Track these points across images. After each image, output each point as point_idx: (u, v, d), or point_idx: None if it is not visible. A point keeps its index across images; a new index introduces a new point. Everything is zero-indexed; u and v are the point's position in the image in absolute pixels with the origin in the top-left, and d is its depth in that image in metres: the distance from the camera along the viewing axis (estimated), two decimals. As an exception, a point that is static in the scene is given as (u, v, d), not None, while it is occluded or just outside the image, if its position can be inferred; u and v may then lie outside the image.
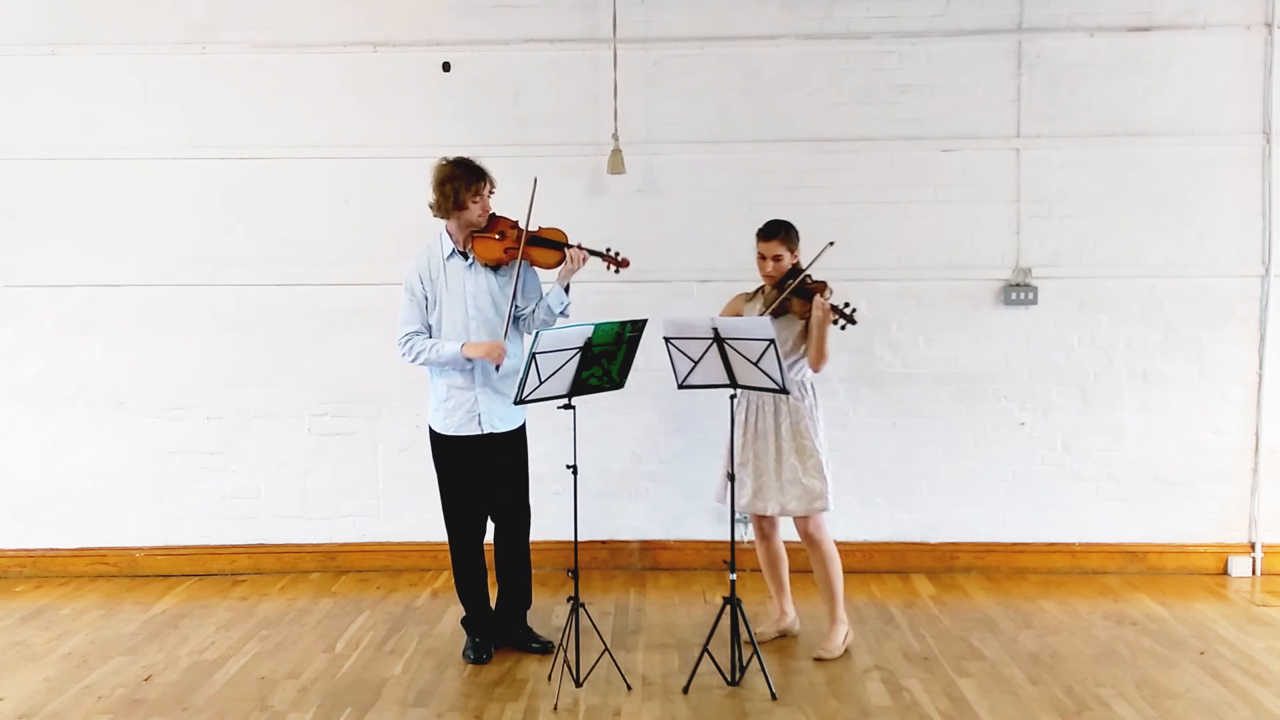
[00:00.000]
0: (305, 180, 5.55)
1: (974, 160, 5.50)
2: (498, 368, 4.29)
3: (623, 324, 4.07)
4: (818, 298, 4.25)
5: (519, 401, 4.01)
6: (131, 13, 5.50)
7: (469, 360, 4.29)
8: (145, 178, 5.55)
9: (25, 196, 5.56)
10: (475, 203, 4.29)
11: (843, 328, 4.26)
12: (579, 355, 4.00)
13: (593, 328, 3.98)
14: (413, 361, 4.37)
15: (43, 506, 5.65)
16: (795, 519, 4.43)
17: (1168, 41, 5.41)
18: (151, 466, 5.65)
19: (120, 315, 5.60)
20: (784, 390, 4.06)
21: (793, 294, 4.34)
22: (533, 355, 3.88)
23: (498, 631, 4.57)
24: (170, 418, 5.63)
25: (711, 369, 4.16)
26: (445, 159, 4.37)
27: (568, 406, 4.13)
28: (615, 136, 5.43)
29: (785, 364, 4.36)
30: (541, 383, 3.99)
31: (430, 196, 4.36)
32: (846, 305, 4.21)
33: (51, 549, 5.66)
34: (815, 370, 4.40)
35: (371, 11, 5.51)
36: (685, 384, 4.25)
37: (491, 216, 4.37)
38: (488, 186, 4.33)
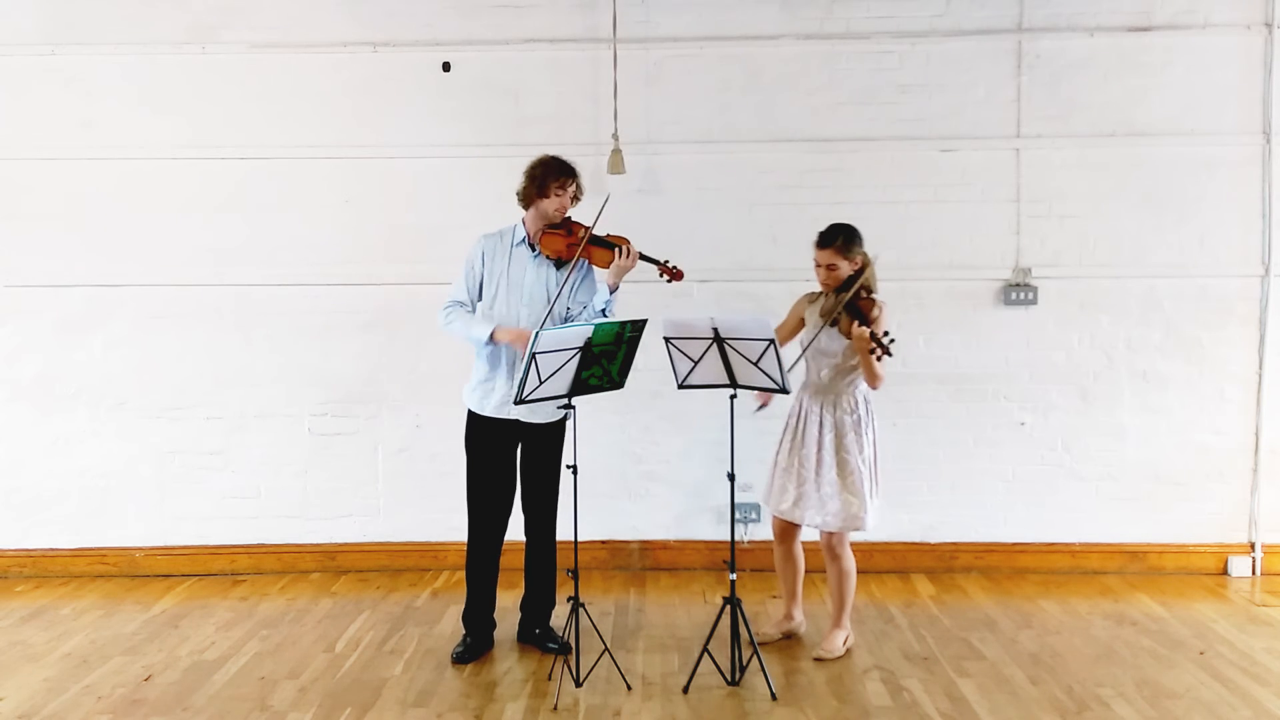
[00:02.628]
0: (305, 180, 5.55)
1: (974, 160, 5.50)
2: (522, 355, 4.29)
3: (623, 324, 4.06)
4: (855, 327, 4.16)
5: (519, 401, 4.01)
6: (131, 13, 5.50)
7: (491, 343, 4.32)
8: (145, 178, 5.55)
9: (25, 196, 5.56)
10: (557, 195, 4.37)
11: (879, 359, 4.14)
12: (579, 355, 4.00)
13: (593, 328, 3.98)
14: (444, 327, 4.43)
15: (43, 506, 5.65)
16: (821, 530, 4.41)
17: (1168, 41, 5.42)
18: (151, 466, 5.65)
19: (120, 315, 5.60)
20: (784, 390, 4.05)
21: (845, 310, 4.27)
22: (532, 355, 3.88)
23: (520, 629, 4.61)
24: (170, 418, 5.63)
25: (711, 369, 4.16)
26: (546, 153, 4.47)
27: (568, 406, 4.13)
28: (615, 136, 5.43)
29: (833, 374, 4.37)
30: (541, 383, 3.99)
31: (519, 183, 4.42)
32: (886, 335, 4.11)
33: (51, 549, 5.66)
34: (873, 388, 4.34)
35: (371, 11, 5.51)
36: (685, 384, 4.25)
37: (566, 219, 4.44)
38: (574, 187, 4.42)
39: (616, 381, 4.23)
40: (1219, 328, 5.48)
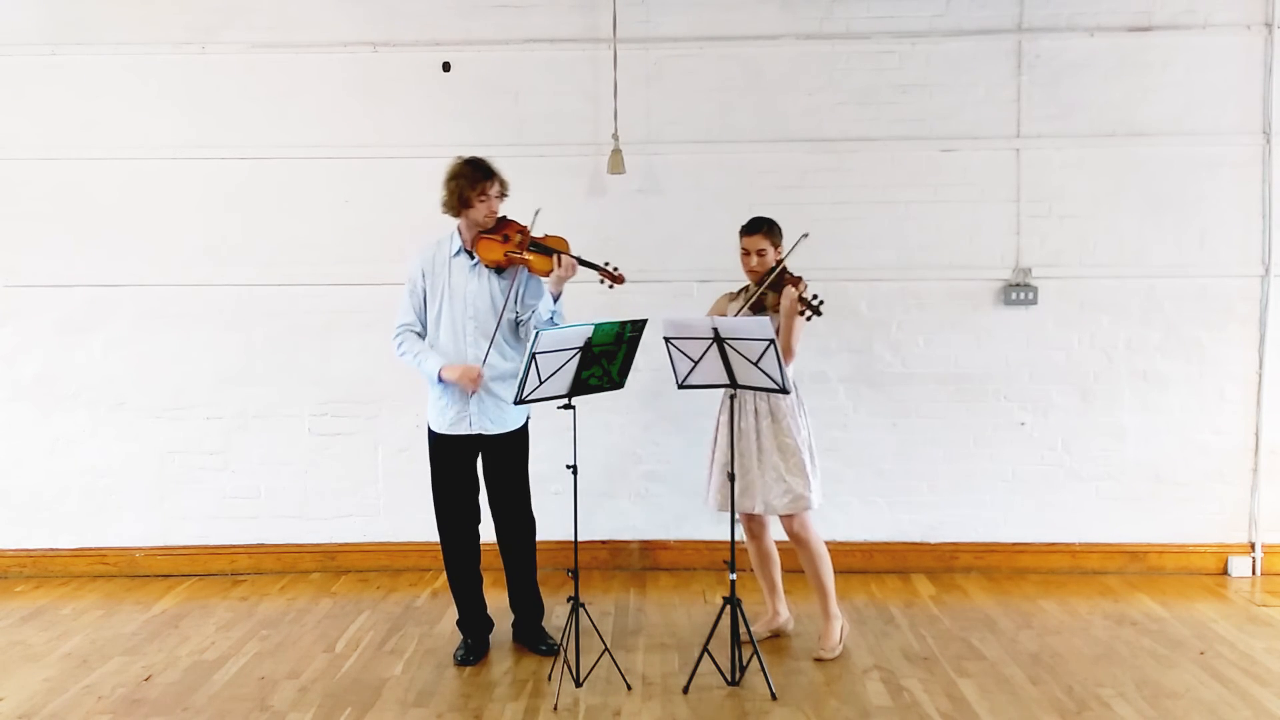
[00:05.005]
0: (305, 180, 5.56)
1: (974, 160, 5.50)
2: (472, 393, 4.29)
3: (623, 324, 4.06)
4: (788, 288, 4.23)
5: (519, 401, 4.01)
6: (131, 13, 5.51)
7: (441, 381, 4.30)
8: (145, 178, 5.55)
9: (25, 196, 5.56)
10: (481, 202, 4.28)
11: (808, 318, 4.19)
12: (579, 355, 4.00)
13: (593, 328, 3.98)
14: (399, 356, 4.43)
15: (43, 506, 5.65)
16: (781, 518, 4.43)
17: (1168, 41, 5.42)
18: (151, 466, 5.65)
19: (120, 315, 5.60)
20: (784, 390, 4.06)
21: (769, 289, 4.34)
22: (532, 355, 3.88)
23: (515, 630, 4.61)
24: (170, 418, 5.63)
25: (711, 369, 4.15)
26: (459, 157, 4.37)
27: (568, 406, 4.13)
28: (615, 136, 5.43)
29: None
30: (541, 383, 3.99)
31: (441, 193, 4.36)
32: (815, 297, 4.17)
33: (51, 549, 5.66)
34: (786, 361, 4.32)
35: (371, 11, 5.51)
36: (685, 384, 4.25)
37: (501, 219, 4.36)
38: (496, 187, 4.31)
39: (616, 381, 4.23)
40: (1219, 328, 5.48)
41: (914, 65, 5.48)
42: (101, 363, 5.62)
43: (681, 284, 5.53)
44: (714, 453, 4.53)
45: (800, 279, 4.31)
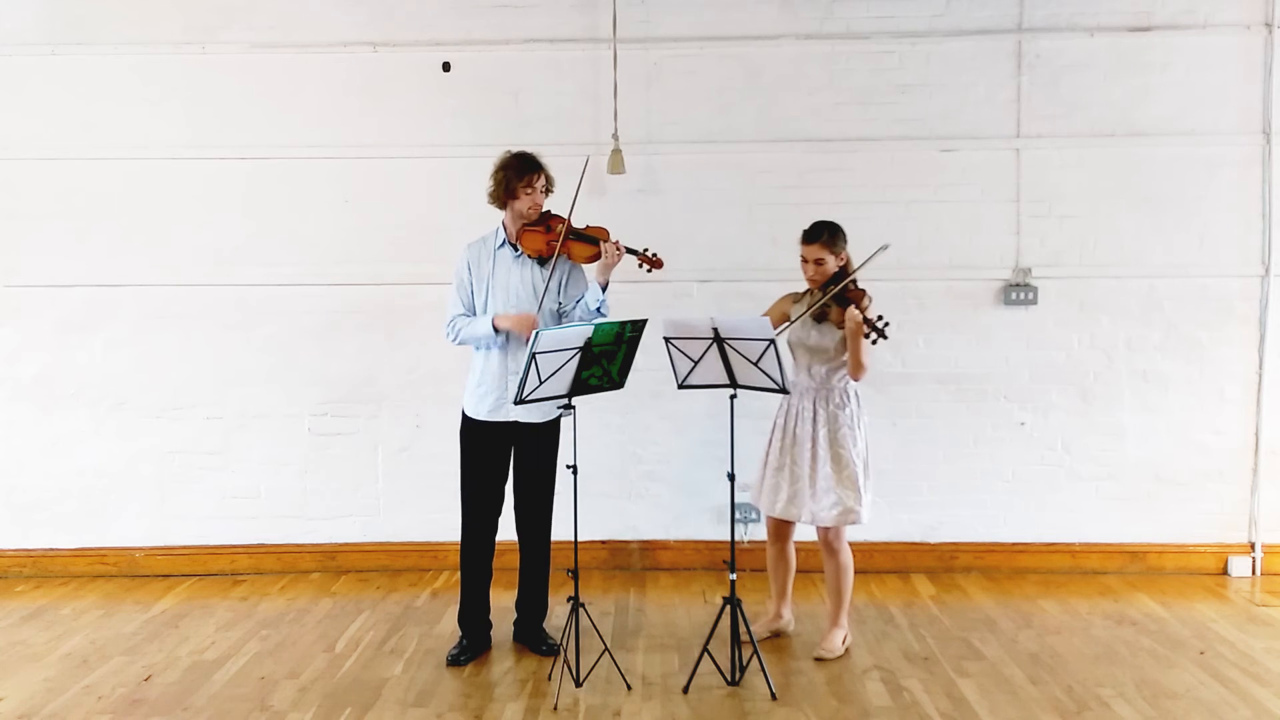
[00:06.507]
0: (305, 180, 5.55)
1: (974, 160, 5.50)
2: (528, 340, 4.30)
3: (623, 324, 4.07)
4: (850, 309, 4.18)
5: (518, 401, 4.02)
6: (131, 13, 5.51)
7: (496, 332, 4.33)
8: (145, 178, 5.55)
9: (25, 196, 5.56)
10: (526, 194, 4.35)
11: (874, 342, 4.15)
12: (579, 355, 4.00)
13: (593, 328, 3.98)
14: (455, 342, 4.46)
15: (43, 506, 5.65)
16: (818, 526, 4.42)
17: (1168, 41, 5.42)
18: (151, 466, 5.65)
19: (120, 315, 5.60)
20: (784, 390, 4.05)
21: (833, 300, 4.29)
22: (532, 355, 3.88)
23: (516, 629, 4.63)
24: (170, 418, 5.63)
25: (711, 369, 4.16)
26: (508, 150, 4.44)
27: (568, 407, 4.13)
28: (615, 136, 5.43)
29: (826, 370, 4.38)
30: (541, 383, 3.99)
31: (488, 184, 4.41)
32: (880, 319, 4.11)
33: (51, 549, 5.66)
34: (855, 379, 4.36)
35: (371, 11, 5.51)
36: (685, 384, 4.25)
37: (545, 213, 4.43)
38: (541, 181, 4.38)
39: (616, 381, 4.23)
40: (1219, 328, 5.48)
41: (914, 65, 5.48)
42: (102, 363, 5.62)
43: (681, 284, 5.53)
44: (767, 455, 4.51)
45: (864, 294, 4.28)
